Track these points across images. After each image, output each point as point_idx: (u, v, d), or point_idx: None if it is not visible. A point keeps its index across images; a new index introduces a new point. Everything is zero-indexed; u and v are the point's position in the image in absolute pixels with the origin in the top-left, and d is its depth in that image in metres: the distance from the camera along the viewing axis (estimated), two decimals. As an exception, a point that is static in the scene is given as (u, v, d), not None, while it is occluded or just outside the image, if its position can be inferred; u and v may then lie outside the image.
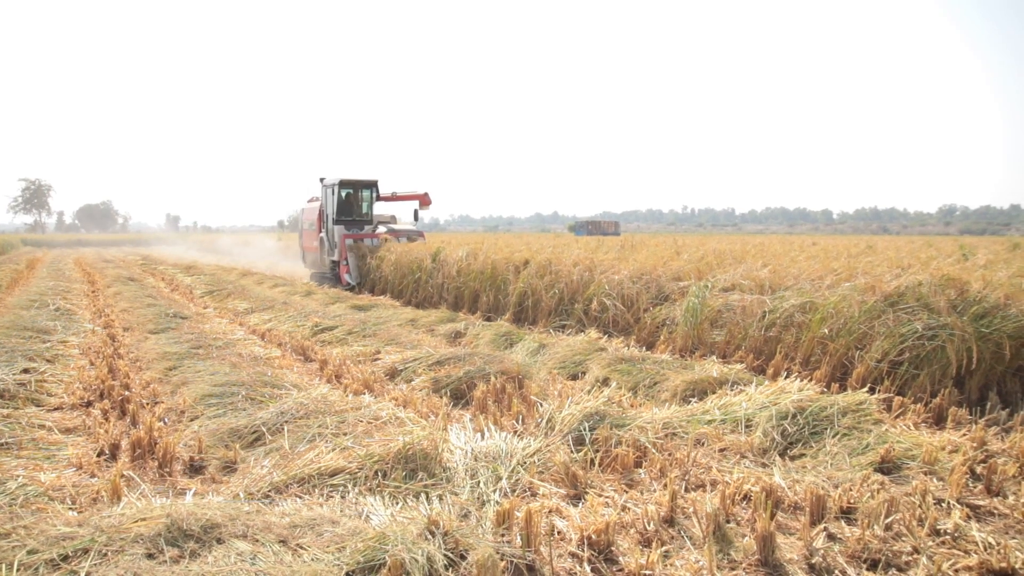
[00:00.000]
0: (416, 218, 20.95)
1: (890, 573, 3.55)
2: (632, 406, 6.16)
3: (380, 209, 21.45)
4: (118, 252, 48.35)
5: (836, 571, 3.55)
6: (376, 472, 4.49)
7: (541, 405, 6.03)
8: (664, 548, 3.76)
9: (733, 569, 3.58)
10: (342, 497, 4.21)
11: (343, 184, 19.47)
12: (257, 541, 3.44)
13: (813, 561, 3.62)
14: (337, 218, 19.41)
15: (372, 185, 20.07)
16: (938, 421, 5.99)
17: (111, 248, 59.79)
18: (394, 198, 20.85)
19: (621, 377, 7.33)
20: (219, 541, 3.44)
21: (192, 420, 6.00)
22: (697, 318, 8.95)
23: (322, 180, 20.14)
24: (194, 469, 5.00)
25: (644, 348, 9.13)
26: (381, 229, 19.97)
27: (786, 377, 6.67)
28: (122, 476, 4.45)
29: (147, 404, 6.58)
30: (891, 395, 6.35)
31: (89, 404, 6.48)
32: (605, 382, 7.23)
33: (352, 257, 18.61)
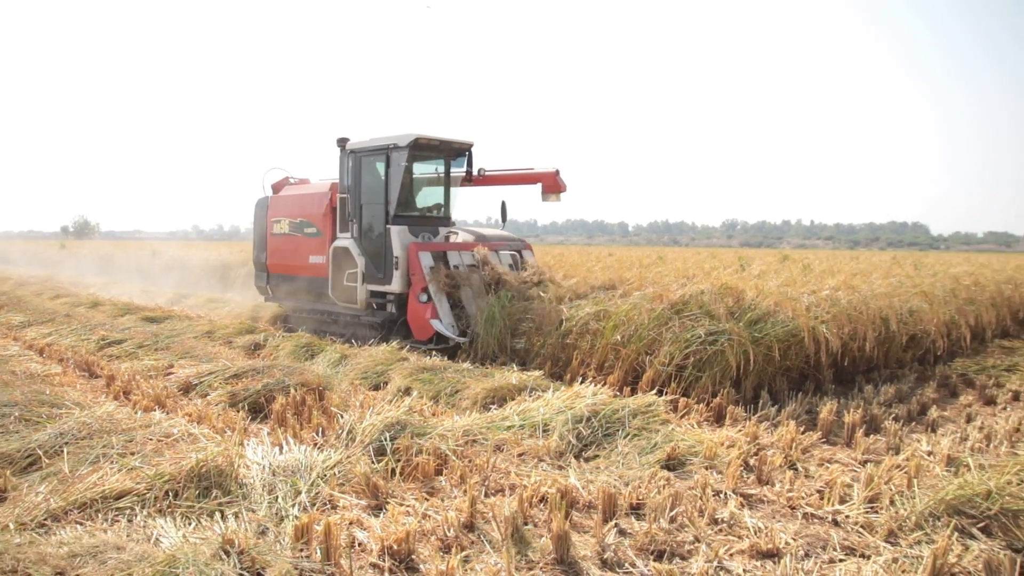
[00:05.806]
0: (504, 218, 12.30)
1: (674, 562, 3.79)
2: (433, 415, 6.21)
3: (429, 198, 12.11)
4: None
5: (626, 564, 3.75)
6: (167, 492, 4.27)
7: (342, 416, 5.94)
8: (464, 553, 3.81)
9: (531, 569, 3.69)
10: (129, 521, 3.98)
11: (418, 147, 10.63)
12: (29, 575, 3.17)
13: (605, 556, 3.80)
14: (397, 214, 10.75)
15: (465, 152, 11.45)
16: (718, 419, 6.47)
17: None
18: (490, 179, 12.09)
19: (423, 386, 7.36)
20: (-19, 577, 3.14)
21: (-49, 446, 5.42)
22: (497, 327, 9.14)
23: (343, 143, 11.05)
24: (-47, 500, 4.53)
25: (446, 357, 9.21)
26: (463, 236, 11.35)
27: (582, 382, 6.94)
28: None
29: None
30: (677, 397, 6.78)
31: None
32: (407, 391, 7.22)
33: (436, 290, 10.06)
